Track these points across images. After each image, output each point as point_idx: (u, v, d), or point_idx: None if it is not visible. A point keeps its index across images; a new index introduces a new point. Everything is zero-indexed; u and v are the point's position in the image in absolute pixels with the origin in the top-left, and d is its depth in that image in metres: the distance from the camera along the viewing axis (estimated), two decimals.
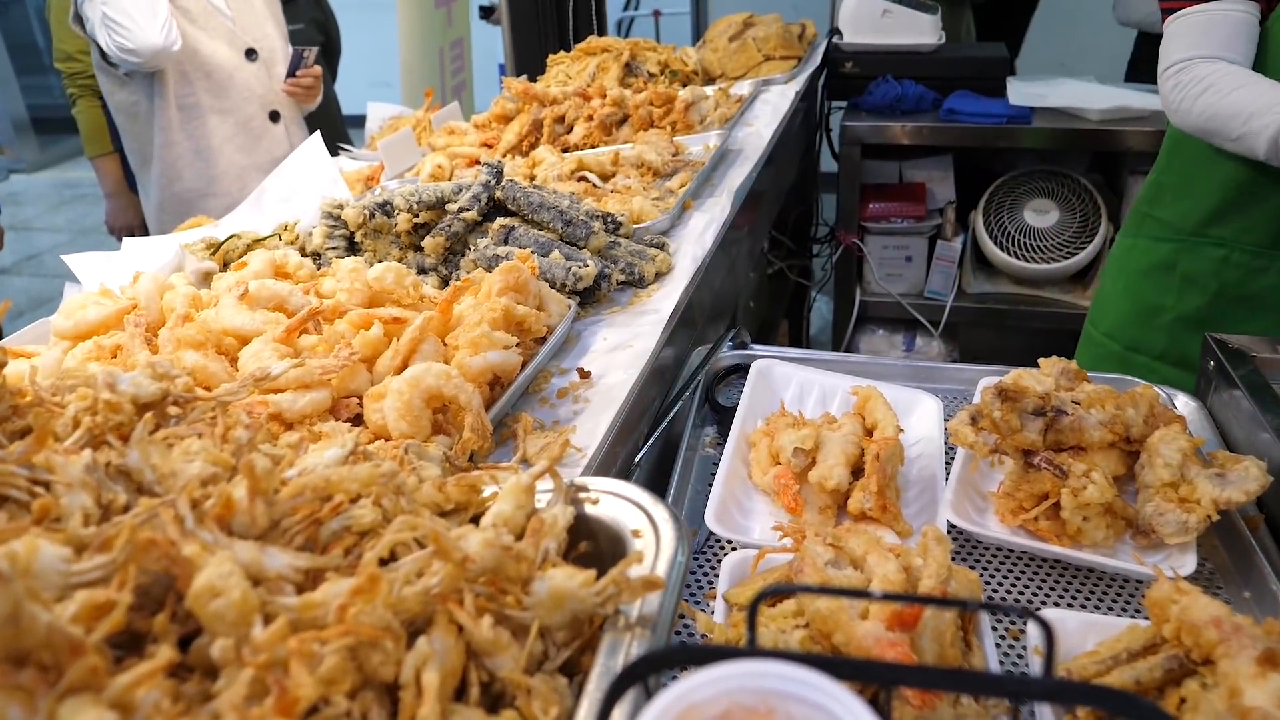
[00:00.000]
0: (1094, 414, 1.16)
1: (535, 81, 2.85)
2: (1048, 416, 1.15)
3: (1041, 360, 1.32)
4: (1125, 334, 1.72)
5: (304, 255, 1.48)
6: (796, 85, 2.77)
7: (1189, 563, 1.04)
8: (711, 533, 1.08)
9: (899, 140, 2.94)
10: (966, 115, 2.88)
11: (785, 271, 3.12)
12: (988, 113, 2.87)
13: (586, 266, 1.36)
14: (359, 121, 3.00)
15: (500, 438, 1.08)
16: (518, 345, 1.16)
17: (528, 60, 3.43)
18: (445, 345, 1.10)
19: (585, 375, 1.20)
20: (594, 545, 0.73)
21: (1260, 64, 1.49)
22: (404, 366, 1.03)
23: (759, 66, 2.91)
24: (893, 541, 1.08)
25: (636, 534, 0.70)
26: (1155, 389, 1.40)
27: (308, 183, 1.68)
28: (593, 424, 1.09)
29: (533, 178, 2.00)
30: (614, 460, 1.11)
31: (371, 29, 5.01)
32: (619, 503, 0.74)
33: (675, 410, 1.30)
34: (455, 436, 0.98)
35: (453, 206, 1.43)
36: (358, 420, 1.00)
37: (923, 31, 3.11)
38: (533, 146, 2.25)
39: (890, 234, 2.98)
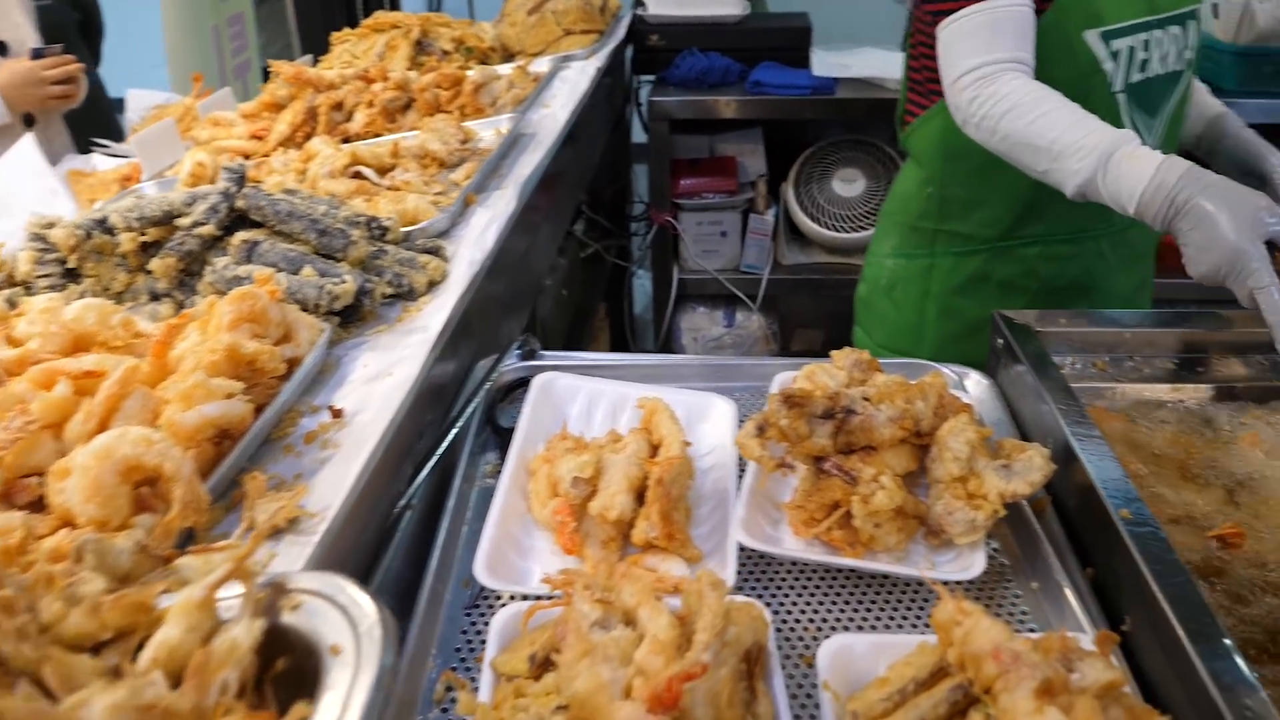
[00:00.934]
0: (884, 410, 1.12)
1: (319, 63, 2.65)
2: (837, 419, 1.09)
3: (834, 353, 1.28)
4: (952, 354, 1.66)
5: (13, 285, 1.28)
6: (598, 61, 2.67)
7: (978, 563, 1.02)
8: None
9: (708, 114, 2.89)
10: (772, 87, 2.86)
11: (602, 253, 3.03)
12: (792, 84, 2.85)
13: (343, 282, 1.22)
14: None
15: (233, 501, 0.94)
16: (254, 387, 1.02)
17: (315, 38, 3.19)
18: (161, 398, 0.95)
19: (337, 414, 1.07)
20: (294, 660, 0.61)
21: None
22: (102, 430, 0.88)
23: (558, 42, 2.79)
24: (680, 573, 1.01)
25: (335, 650, 0.58)
26: (946, 370, 1.38)
27: (21, 194, 1.45)
28: (339, 475, 0.97)
29: (304, 173, 1.82)
30: (368, 514, 0.99)
31: (142, 3, 4.58)
32: (323, 607, 0.62)
33: (450, 438, 1.18)
34: (164, 513, 0.84)
35: (185, 221, 1.26)
36: (41, 504, 0.84)
37: (727, 2, 3.06)
38: (308, 137, 2.07)
39: (704, 210, 2.93)
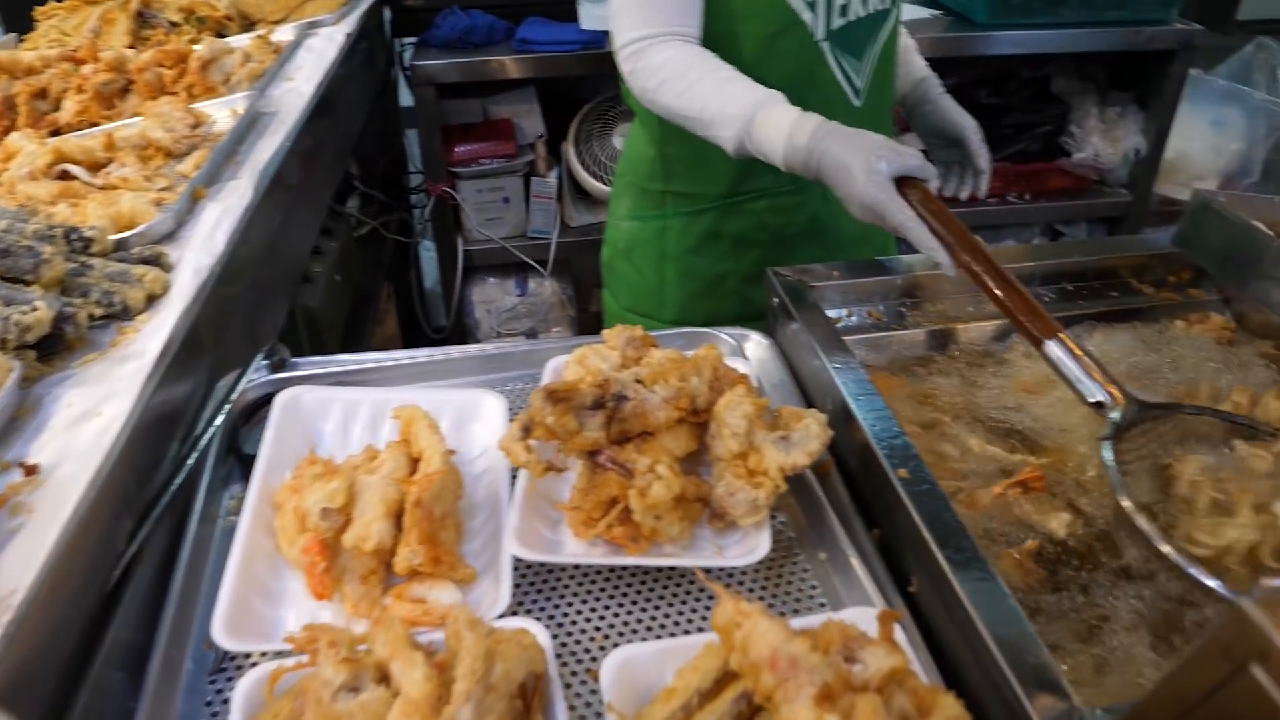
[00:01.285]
0: (658, 391, 1.06)
1: (23, 42, 2.33)
2: (608, 408, 1.03)
3: (606, 332, 1.22)
4: (697, 312, 1.65)
5: None
6: (348, 26, 2.47)
7: (763, 544, 0.98)
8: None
9: (476, 76, 2.74)
10: (540, 44, 2.74)
11: (380, 230, 2.86)
12: (561, 40, 2.74)
13: (35, 310, 1.05)
14: None
15: None
16: None
17: (20, 14, 2.81)
18: None
19: (31, 470, 0.91)
20: None
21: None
22: None
23: (302, 7, 2.56)
24: (452, 598, 0.93)
25: None
26: (725, 335, 1.35)
27: None
28: (31, 547, 0.82)
29: (1, 176, 1.58)
30: (77, 587, 0.85)
31: None
32: None
33: (184, 475, 1.04)
34: None
35: None
36: None
37: None
38: (7, 132, 1.80)
39: (483, 176, 2.80)
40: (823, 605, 0.97)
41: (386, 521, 0.93)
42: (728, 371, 1.12)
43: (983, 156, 1.65)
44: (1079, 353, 1.08)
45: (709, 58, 1.37)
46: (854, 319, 1.40)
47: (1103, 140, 2.98)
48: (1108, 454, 1.01)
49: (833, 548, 1.02)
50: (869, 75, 1.55)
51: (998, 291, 1.14)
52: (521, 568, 0.99)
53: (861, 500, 1.08)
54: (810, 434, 1.03)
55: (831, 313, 1.39)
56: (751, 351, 1.36)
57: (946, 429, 1.21)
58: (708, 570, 1.00)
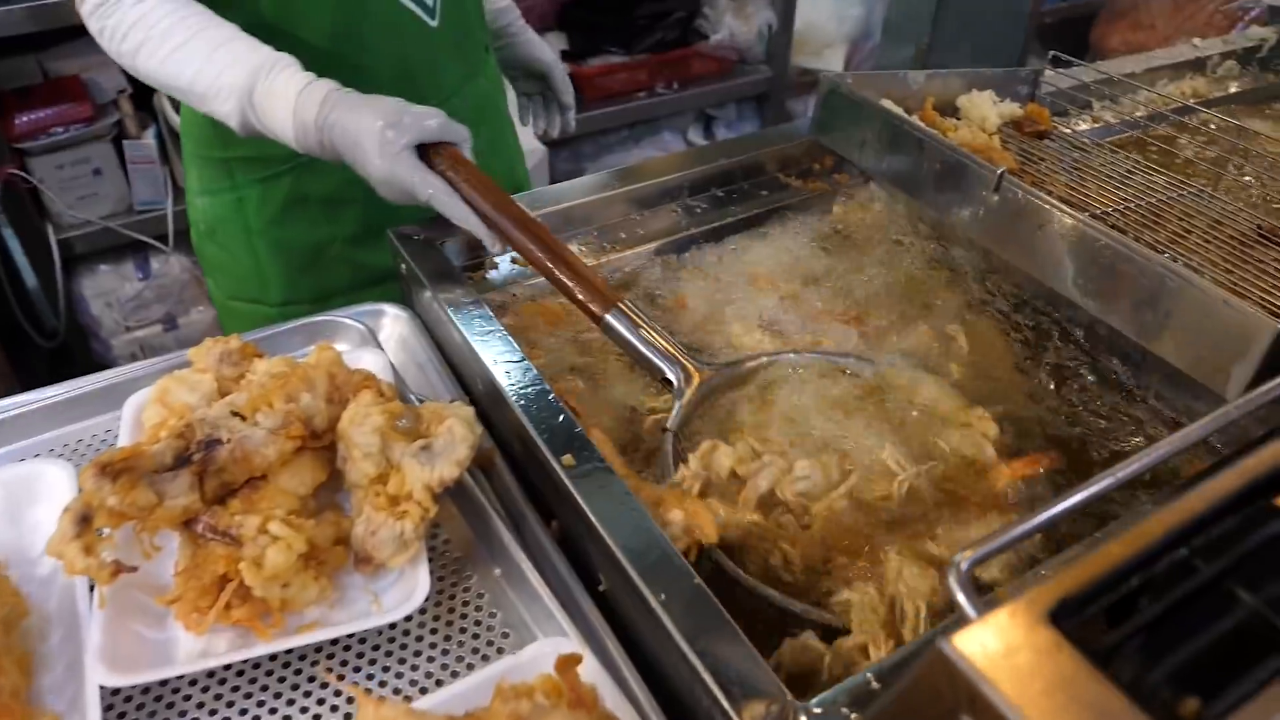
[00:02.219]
0: (263, 422, 0.86)
1: None
2: (195, 460, 0.82)
3: (192, 351, 0.99)
4: (305, 289, 1.39)
5: None
6: None
7: (421, 585, 0.82)
8: None
9: (20, 29, 2.22)
10: None
11: None
12: None
13: None
14: None
15: None
16: None
17: None
18: None
19: None
20: None
21: None
22: None
23: None
24: None
25: None
26: (350, 319, 1.16)
27: None
28: None
29: None
30: None
31: None
32: None
33: None
34: None
35: None
36: None
37: None
38: None
39: (58, 149, 2.32)
40: (506, 636, 0.84)
41: None
42: (348, 375, 0.93)
43: (567, 93, 1.57)
44: (642, 324, 1.02)
45: (200, 12, 1.11)
46: (500, 271, 1.25)
47: (736, 19, 2.98)
48: (667, 445, 0.96)
49: (506, 560, 0.88)
50: None
51: (550, 265, 1.05)
52: (125, 692, 0.77)
53: (533, 488, 0.95)
54: (455, 438, 0.87)
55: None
56: (388, 330, 1.17)
57: (609, 382, 1.10)
58: (362, 633, 0.83)
